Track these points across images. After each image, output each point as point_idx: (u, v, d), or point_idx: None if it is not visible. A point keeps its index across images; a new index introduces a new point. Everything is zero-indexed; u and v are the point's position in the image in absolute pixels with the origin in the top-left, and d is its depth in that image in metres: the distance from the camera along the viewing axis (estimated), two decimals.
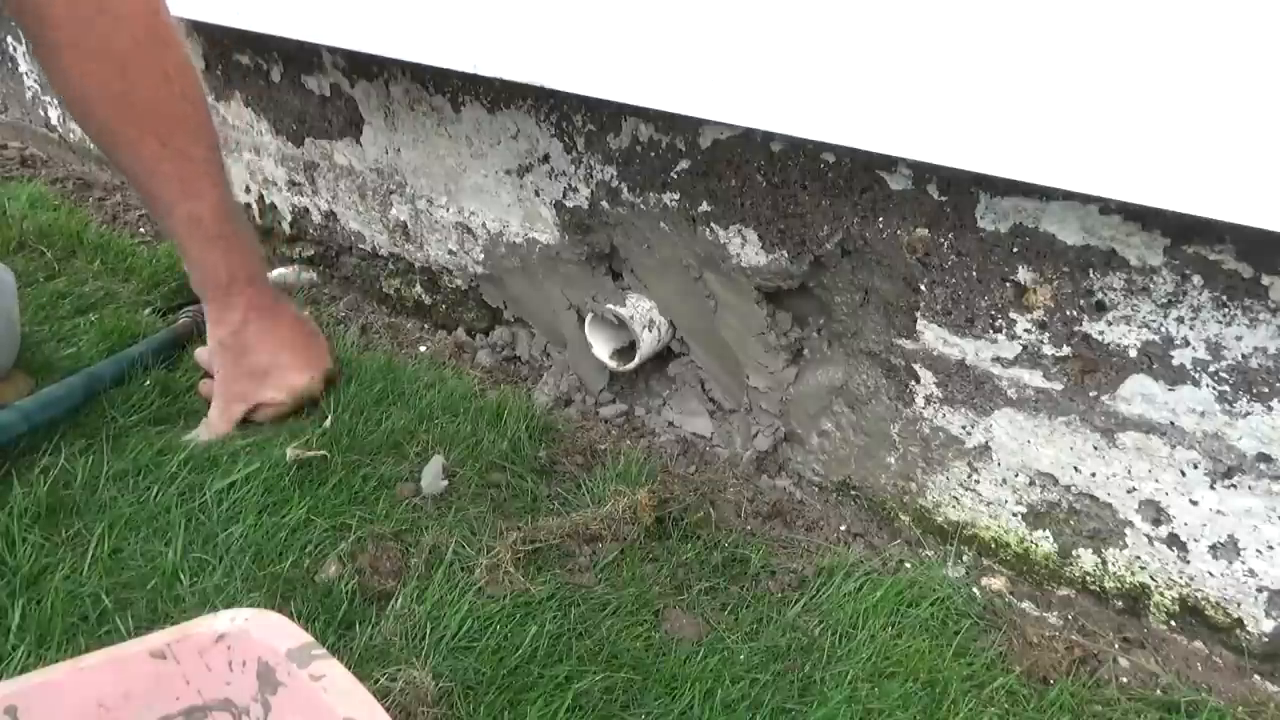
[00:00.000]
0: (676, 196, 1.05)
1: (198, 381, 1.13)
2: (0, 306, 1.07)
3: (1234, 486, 0.82)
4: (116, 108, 0.96)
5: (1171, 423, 0.83)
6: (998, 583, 0.95)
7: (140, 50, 0.95)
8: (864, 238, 0.94)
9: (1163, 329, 0.81)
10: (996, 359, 0.90)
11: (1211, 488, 0.83)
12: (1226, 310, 0.77)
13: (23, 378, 1.09)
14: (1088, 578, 0.92)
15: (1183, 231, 0.77)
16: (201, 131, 1.01)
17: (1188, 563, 0.86)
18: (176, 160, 0.99)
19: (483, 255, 1.28)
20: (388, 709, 0.66)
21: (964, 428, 0.95)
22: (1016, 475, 0.93)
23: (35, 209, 1.61)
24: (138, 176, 1.00)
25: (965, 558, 0.98)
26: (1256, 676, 0.85)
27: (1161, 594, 0.89)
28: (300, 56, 1.36)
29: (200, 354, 1.14)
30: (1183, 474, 0.84)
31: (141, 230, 1.67)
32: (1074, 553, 0.92)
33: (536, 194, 1.18)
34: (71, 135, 1.97)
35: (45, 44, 0.94)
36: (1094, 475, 0.88)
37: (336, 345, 1.20)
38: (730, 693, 0.79)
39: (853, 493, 1.06)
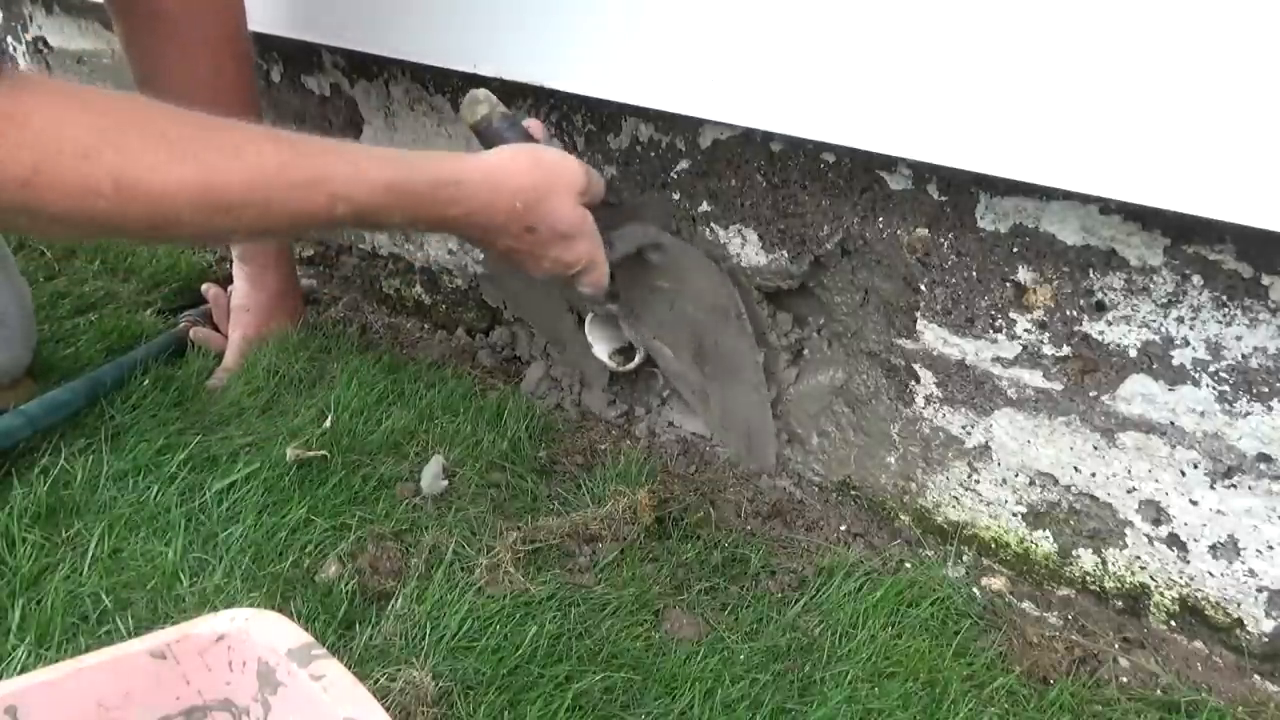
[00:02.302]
0: (676, 196, 1.05)
1: (193, 327, 1.25)
2: (25, 313, 1.09)
3: (1234, 486, 0.82)
4: (211, 91, 1.07)
5: (1171, 423, 0.83)
6: (998, 583, 0.95)
7: (230, 39, 1.10)
8: (864, 238, 0.94)
9: (1163, 329, 0.81)
10: (996, 359, 0.90)
11: (1211, 488, 0.83)
12: (1226, 310, 0.77)
13: (26, 382, 1.10)
14: (1088, 578, 0.92)
15: (1183, 231, 0.77)
16: (259, 108, 1.18)
17: (1188, 563, 0.86)
18: None
19: (483, 255, 1.28)
20: (388, 709, 0.66)
21: (964, 428, 0.95)
22: (1016, 475, 0.93)
23: None
24: None
25: (965, 558, 0.98)
26: (1256, 676, 0.85)
27: (1161, 594, 0.89)
28: (300, 56, 1.36)
29: (218, 298, 1.27)
30: (1183, 474, 0.84)
31: None
32: (1074, 553, 0.92)
33: None
34: None
35: (152, 36, 1.07)
36: (1094, 475, 0.88)
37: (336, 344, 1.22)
38: (730, 693, 0.79)
39: (853, 493, 1.06)
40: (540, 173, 0.89)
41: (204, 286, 1.32)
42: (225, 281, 1.29)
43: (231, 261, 1.25)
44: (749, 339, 1.02)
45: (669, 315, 1.07)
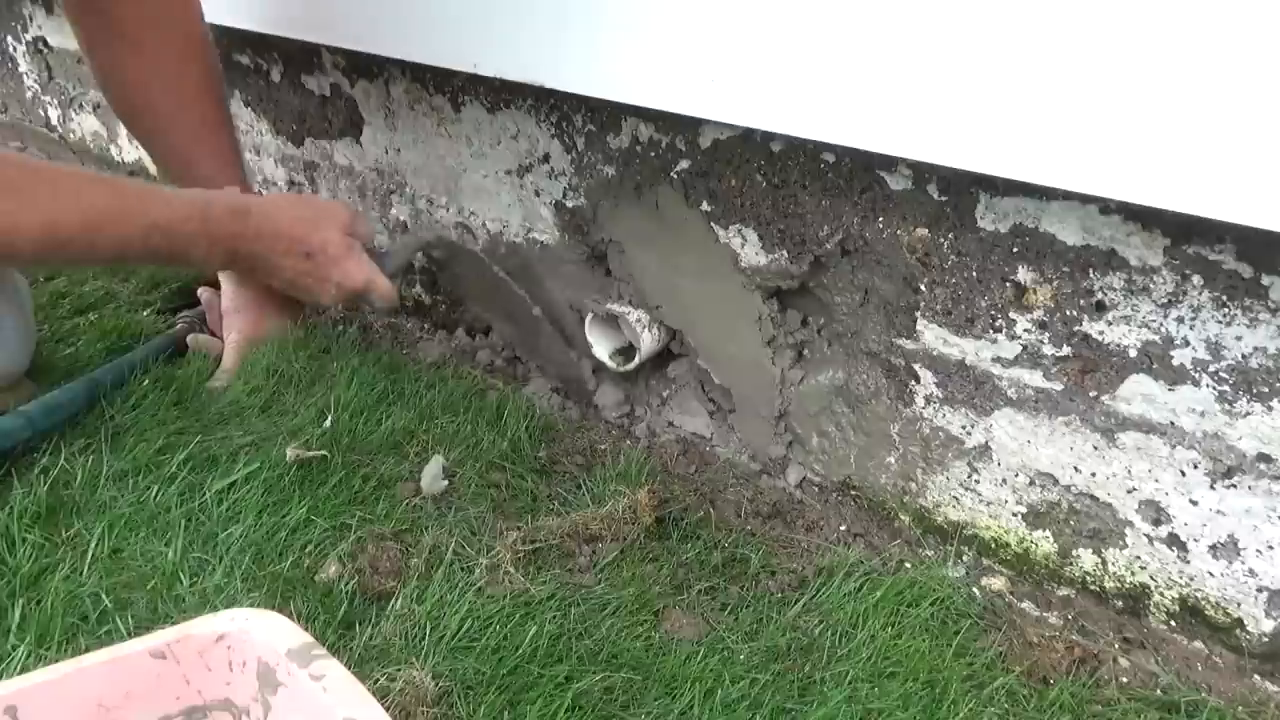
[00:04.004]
0: (678, 195, 1.05)
1: (190, 331, 1.25)
2: (22, 315, 1.09)
3: (1234, 486, 0.82)
4: (175, 96, 1.12)
5: (1171, 423, 0.83)
6: (998, 583, 0.95)
7: (189, 45, 1.13)
8: (864, 238, 0.94)
9: (1163, 329, 0.81)
10: (996, 359, 0.90)
11: (1211, 488, 0.83)
12: (1226, 310, 0.77)
13: (25, 382, 1.10)
14: (1088, 578, 0.92)
15: (1183, 231, 0.77)
16: (227, 111, 1.22)
17: (1188, 563, 0.86)
18: (216, 137, 1.18)
19: (483, 255, 1.28)
20: (388, 709, 0.66)
21: (964, 428, 0.95)
22: (1016, 475, 0.93)
23: None
24: (183, 156, 1.16)
25: (965, 558, 0.98)
26: (1256, 676, 0.85)
27: (1161, 594, 0.89)
28: (300, 56, 1.36)
29: (210, 301, 1.28)
30: (1183, 474, 0.84)
31: None
32: (1074, 553, 0.92)
33: (536, 194, 1.18)
34: (71, 135, 1.97)
35: (108, 45, 1.10)
36: (1094, 475, 0.89)
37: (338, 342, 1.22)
38: (730, 693, 0.79)
39: (853, 493, 1.06)
40: (310, 208, 1.08)
41: (199, 290, 1.32)
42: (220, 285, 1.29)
43: None
44: (527, 305, 1.18)
45: (477, 295, 1.27)
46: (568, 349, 1.20)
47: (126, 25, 1.09)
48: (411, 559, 0.90)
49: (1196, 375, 0.80)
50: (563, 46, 0.98)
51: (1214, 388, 0.80)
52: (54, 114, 1.97)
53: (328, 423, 1.04)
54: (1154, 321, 0.81)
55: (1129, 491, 0.87)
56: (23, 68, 1.95)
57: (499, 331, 1.31)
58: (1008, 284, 0.87)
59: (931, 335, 0.93)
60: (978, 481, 0.96)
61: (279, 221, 1.03)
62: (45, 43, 1.84)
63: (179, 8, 1.13)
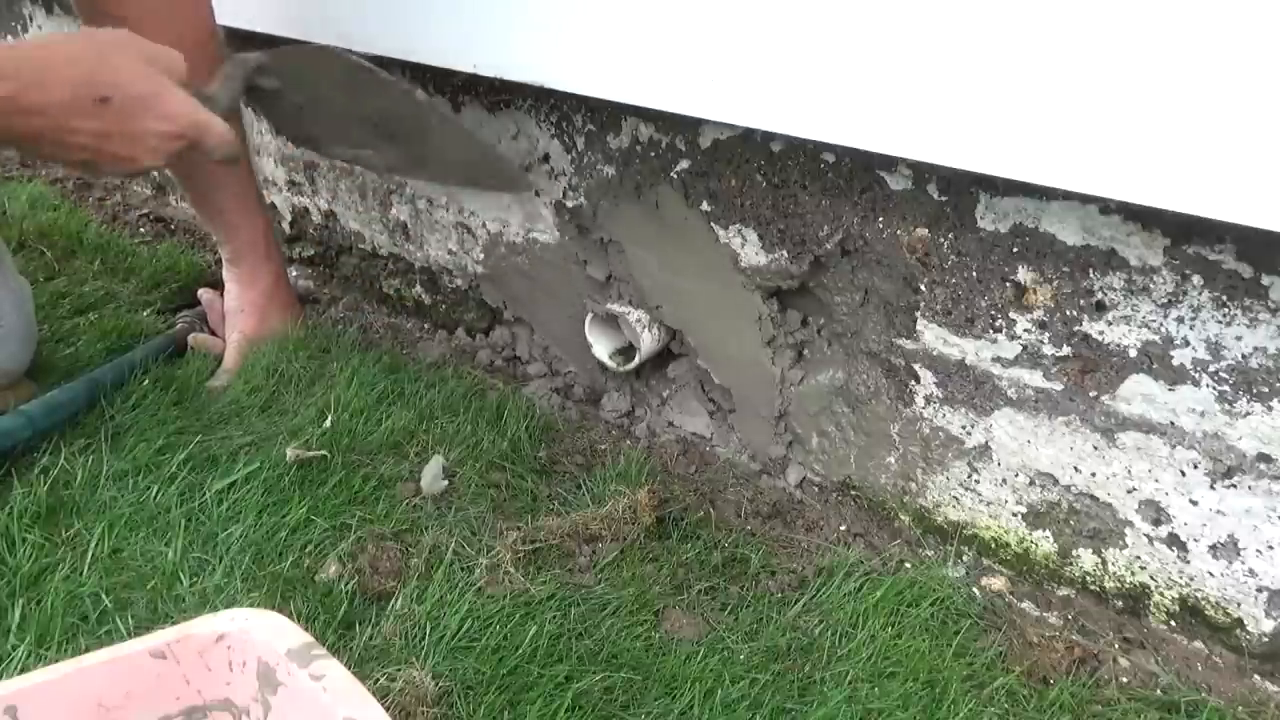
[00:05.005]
0: (678, 195, 1.05)
1: (190, 330, 1.25)
2: (23, 313, 1.08)
3: (1234, 486, 0.82)
4: None
5: (1171, 423, 0.83)
6: (998, 583, 0.95)
7: (201, 43, 1.07)
8: (864, 238, 0.94)
9: (1163, 329, 0.81)
10: (996, 359, 0.90)
11: (1211, 488, 0.83)
12: (1226, 310, 0.77)
13: (25, 382, 1.10)
14: (1088, 578, 0.92)
15: (1183, 231, 0.77)
16: (238, 113, 1.14)
17: (1188, 563, 0.86)
18: None
19: (483, 255, 1.28)
20: (388, 709, 0.66)
21: (964, 428, 0.95)
22: (1016, 475, 0.93)
23: (35, 209, 1.61)
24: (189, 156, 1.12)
25: (965, 558, 0.98)
26: (1256, 676, 0.85)
27: (1161, 594, 0.89)
28: None
29: (212, 302, 1.28)
30: (1183, 474, 0.84)
31: (141, 230, 1.67)
32: (1074, 553, 0.92)
33: (536, 194, 1.18)
34: None
35: None
36: (1094, 475, 0.88)
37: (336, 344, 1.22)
38: (730, 693, 0.79)
39: (853, 493, 1.06)
40: (93, 41, 0.81)
41: (200, 291, 1.33)
42: (222, 285, 1.29)
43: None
44: (401, 87, 0.97)
45: (335, 120, 1.01)
46: (470, 136, 1.02)
47: (137, 26, 1.07)
48: (411, 559, 0.90)
49: (1196, 375, 0.80)
50: (562, 46, 0.98)
51: (1214, 388, 0.80)
52: None
53: (328, 423, 1.04)
54: (1154, 321, 0.81)
55: (1129, 491, 0.87)
56: None
57: (379, 152, 1.02)
58: (1008, 284, 0.87)
59: (931, 335, 0.93)
60: (978, 481, 0.96)
61: (49, 64, 0.76)
62: None
63: (189, 7, 1.11)
